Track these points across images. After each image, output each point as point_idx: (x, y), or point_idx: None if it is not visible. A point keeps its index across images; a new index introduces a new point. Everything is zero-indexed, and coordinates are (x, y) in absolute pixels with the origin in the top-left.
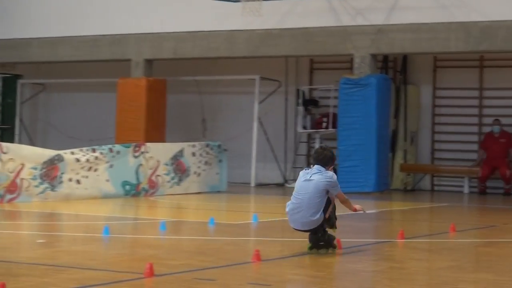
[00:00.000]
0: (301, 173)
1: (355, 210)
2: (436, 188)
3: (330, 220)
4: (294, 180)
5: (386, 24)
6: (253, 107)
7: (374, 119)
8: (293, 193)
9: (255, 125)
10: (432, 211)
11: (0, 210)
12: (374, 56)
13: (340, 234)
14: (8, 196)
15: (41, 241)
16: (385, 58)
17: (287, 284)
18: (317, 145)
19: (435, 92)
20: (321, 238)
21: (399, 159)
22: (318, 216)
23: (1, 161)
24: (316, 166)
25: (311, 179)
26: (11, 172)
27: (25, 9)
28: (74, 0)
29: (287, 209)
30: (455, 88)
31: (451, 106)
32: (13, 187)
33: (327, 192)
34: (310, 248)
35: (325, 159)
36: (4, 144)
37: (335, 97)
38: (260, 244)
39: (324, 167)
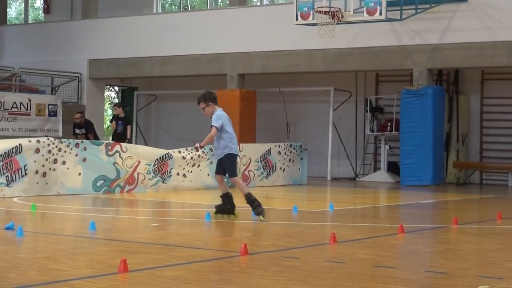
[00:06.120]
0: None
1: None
2: (484, 182)
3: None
4: (364, 175)
5: (440, 43)
6: (329, 114)
7: (431, 124)
8: (232, 130)
9: (330, 128)
10: (481, 202)
11: (121, 199)
12: (430, 70)
13: (403, 220)
14: (127, 187)
15: (155, 224)
16: (440, 72)
17: (358, 262)
18: (383, 146)
19: (482, 100)
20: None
21: (452, 157)
22: None
23: (121, 158)
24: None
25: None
26: (129, 168)
27: (140, 33)
28: (180, 25)
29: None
30: (500, 97)
31: (496, 112)
32: (131, 180)
33: None
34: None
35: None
36: (123, 144)
37: (398, 105)
38: (335, 228)
39: None
